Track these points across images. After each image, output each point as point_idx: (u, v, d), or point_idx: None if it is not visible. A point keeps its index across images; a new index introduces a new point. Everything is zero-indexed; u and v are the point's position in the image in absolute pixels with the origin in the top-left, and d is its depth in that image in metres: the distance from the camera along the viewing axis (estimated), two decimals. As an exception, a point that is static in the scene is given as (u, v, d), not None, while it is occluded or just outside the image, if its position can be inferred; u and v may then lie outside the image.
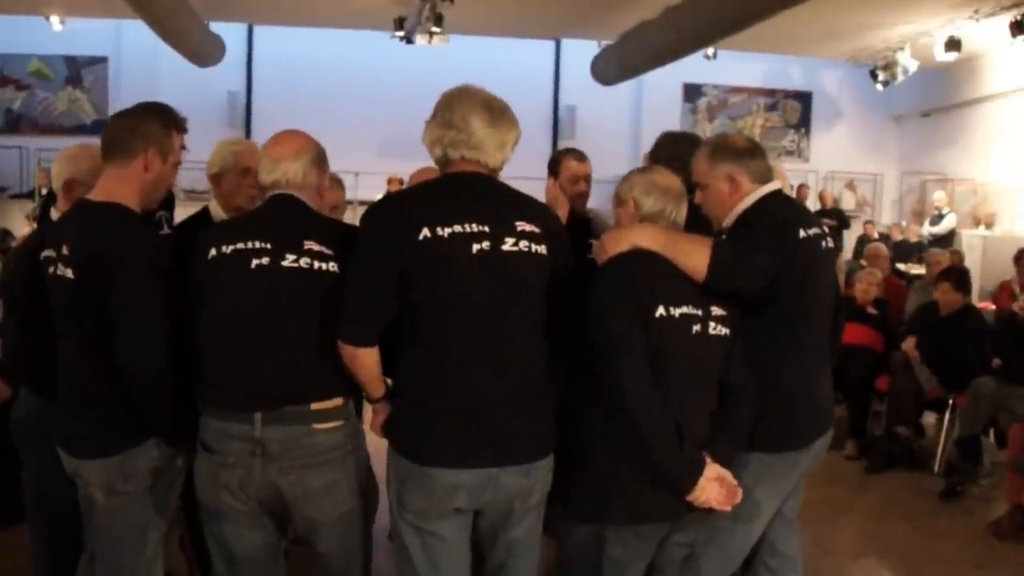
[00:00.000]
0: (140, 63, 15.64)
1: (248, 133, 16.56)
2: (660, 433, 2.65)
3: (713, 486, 2.71)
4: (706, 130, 18.07)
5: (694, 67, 15.79)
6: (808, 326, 3.06)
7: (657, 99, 17.63)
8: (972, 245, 13.68)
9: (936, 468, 6.64)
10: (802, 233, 3.01)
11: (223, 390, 2.76)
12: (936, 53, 12.97)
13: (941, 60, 13.10)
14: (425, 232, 2.59)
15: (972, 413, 6.35)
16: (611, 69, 14.91)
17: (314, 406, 2.74)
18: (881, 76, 15.24)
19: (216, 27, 14.74)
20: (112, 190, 2.85)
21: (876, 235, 15.15)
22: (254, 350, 2.73)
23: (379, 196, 12.04)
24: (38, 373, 3.10)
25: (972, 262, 12.15)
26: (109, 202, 2.82)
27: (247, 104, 16.94)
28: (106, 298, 2.69)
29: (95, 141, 3.01)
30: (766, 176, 3.11)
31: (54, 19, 14.53)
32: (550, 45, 17.55)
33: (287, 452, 2.72)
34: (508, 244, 2.65)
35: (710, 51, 15.33)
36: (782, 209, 3.08)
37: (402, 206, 2.72)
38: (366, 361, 2.70)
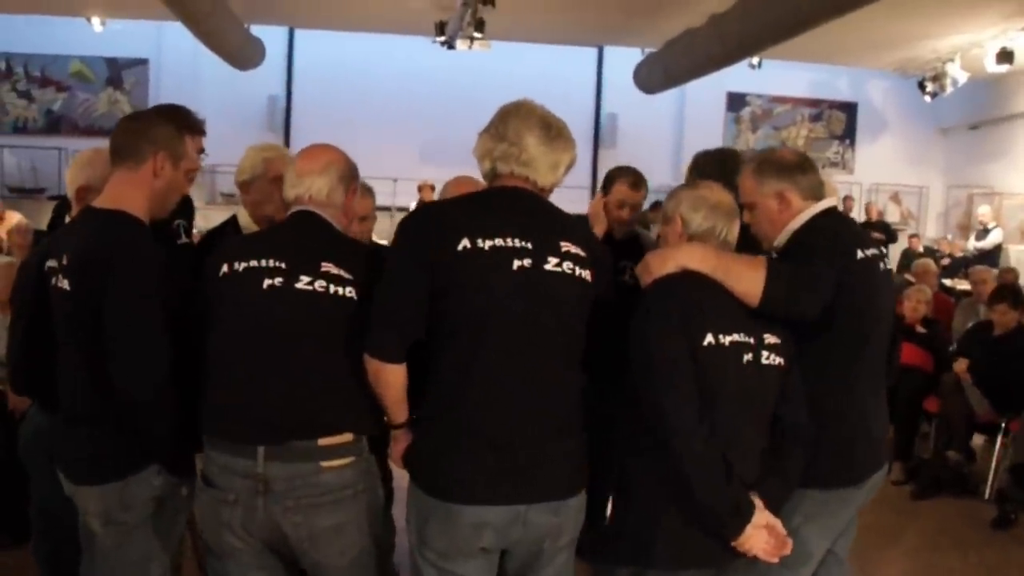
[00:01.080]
0: (181, 65, 15.60)
1: (287, 137, 16.55)
2: (705, 471, 2.47)
3: (761, 534, 2.53)
4: (749, 140, 17.85)
5: (738, 76, 15.52)
6: (865, 353, 2.87)
7: (700, 108, 17.37)
8: (1021, 260, 13.33)
9: (987, 494, 6.40)
10: (860, 254, 2.83)
11: (225, 420, 2.60)
12: (987, 64, 12.63)
13: (992, 71, 12.76)
14: (465, 242, 2.45)
15: (1025, 439, 6.12)
16: (654, 77, 14.70)
17: (321, 442, 2.57)
18: (929, 87, 14.89)
19: (256, 30, 14.70)
20: (118, 196, 2.70)
21: (921, 249, 14.84)
22: (259, 378, 2.57)
23: (413, 203, 11.99)
24: (43, 386, 2.95)
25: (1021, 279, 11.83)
26: (113, 209, 2.67)
27: (287, 108, 16.86)
28: (102, 311, 2.53)
29: None
30: (818, 192, 2.93)
31: (95, 20, 14.50)
32: (592, 52, 17.34)
33: (292, 491, 2.54)
34: (551, 264, 2.50)
35: (755, 60, 15.06)
36: (839, 228, 2.90)
37: (442, 214, 2.58)
38: (392, 379, 2.53)
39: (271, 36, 15.58)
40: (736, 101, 18.03)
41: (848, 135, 18.29)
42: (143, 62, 16.31)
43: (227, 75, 14.83)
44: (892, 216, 17.62)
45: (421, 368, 2.54)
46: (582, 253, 2.55)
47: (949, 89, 14.41)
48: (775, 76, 16.63)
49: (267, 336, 2.58)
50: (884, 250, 2.99)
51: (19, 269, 3.58)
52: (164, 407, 2.57)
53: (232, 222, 3.73)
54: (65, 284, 2.64)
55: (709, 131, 17.55)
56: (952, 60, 13.96)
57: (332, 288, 2.60)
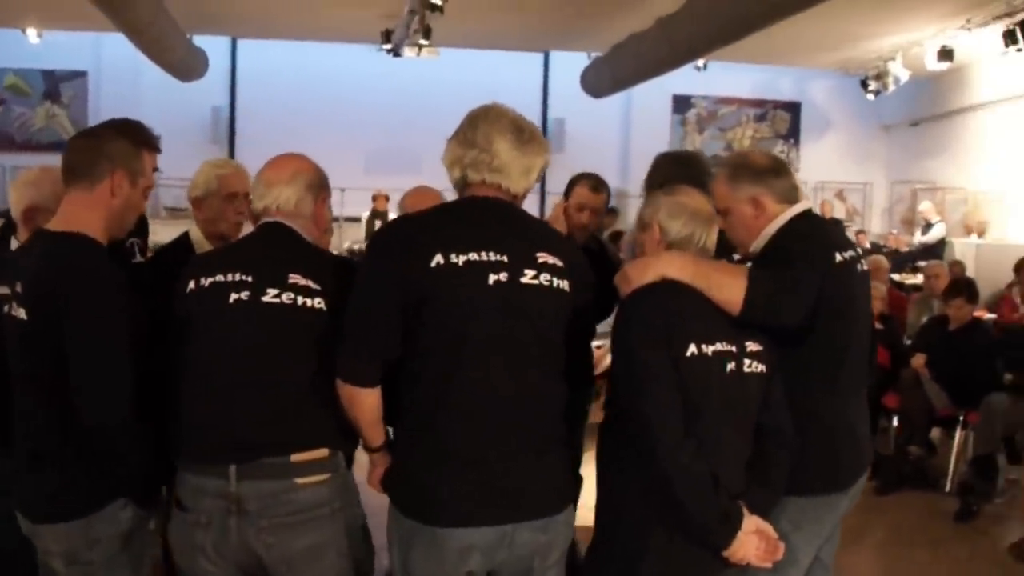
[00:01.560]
0: (121, 78, 15.33)
1: (232, 149, 16.36)
2: (694, 483, 2.42)
3: (752, 540, 2.48)
4: (695, 142, 17.98)
5: (683, 78, 15.60)
6: (848, 357, 2.85)
7: (646, 111, 17.45)
8: (964, 254, 13.51)
9: (948, 487, 6.48)
10: (838, 257, 2.81)
11: (196, 440, 2.52)
12: (928, 62, 12.82)
13: (933, 69, 12.98)
14: (438, 258, 2.38)
15: (987, 431, 6.20)
16: (602, 81, 14.74)
17: (295, 457, 2.49)
18: (872, 86, 15.10)
19: (199, 40, 14.52)
20: (74, 218, 2.57)
21: (868, 245, 15.01)
22: (229, 394, 2.49)
23: (365, 213, 11.81)
24: None
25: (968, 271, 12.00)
26: (69, 232, 2.54)
27: (231, 119, 16.66)
28: (62, 342, 2.41)
29: None
30: (792, 195, 2.91)
31: (31, 32, 14.24)
32: (538, 58, 17.35)
33: (266, 510, 2.46)
34: (527, 276, 2.43)
35: (700, 62, 15.17)
36: (817, 232, 2.88)
37: (414, 229, 2.50)
38: (367, 403, 2.46)
39: (214, 46, 15.41)
40: (682, 103, 18.14)
41: (792, 134, 18.48)
42: (82, 74, 16.05)
43: (169, 86, 14.62)
44: (838, 213, 17.78)
45: (395, 386, 2.47)
46: (559, 263, 2.49)
47: (891, 87, 14.63)
48: (720, 78, 16.76)
49: (235, 352, 2.51)
50: (860, 251, 2.97)
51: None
52: (133, 437, 2.47)
53: (184, 239, 3.64)
54: (21, 313, 2.51)
55: (655, 134, 17.64)
56: (894, 59, 14.17)
57: (300, 300, 2.54)
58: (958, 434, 6.58)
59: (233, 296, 2.53)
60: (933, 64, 12.69)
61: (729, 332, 2.56)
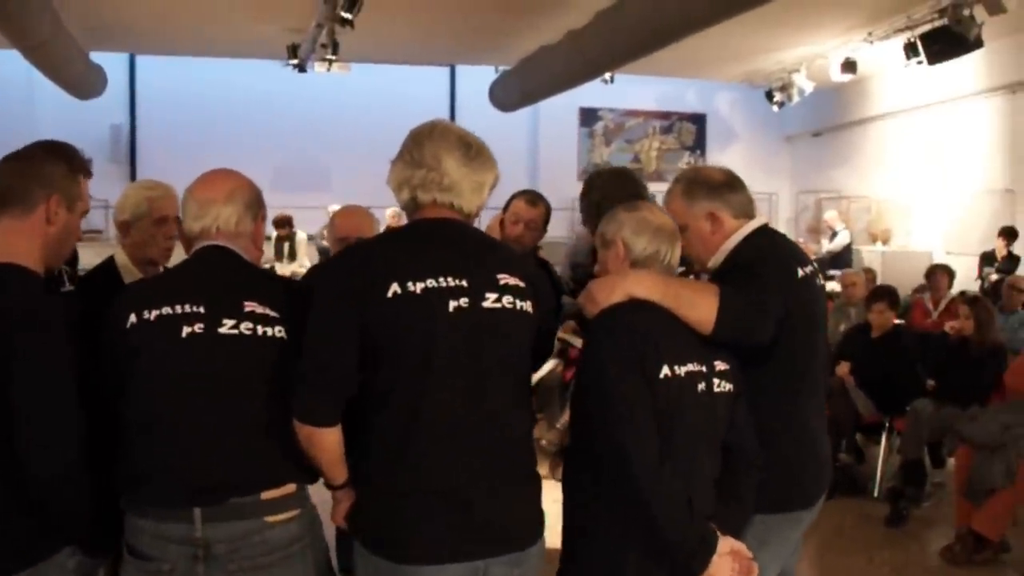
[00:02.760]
0: (14, 95, 14.85)
1: (133, 167, 15.94)
2: (672, 509, 2.34)
3: (726, 562, 2.40)
4: (603, 154, 18.16)
5: (590, 91, 15.68)
6: (809, 373, 2.81)
7: (554, 124, 17.56)
8: (870, 261, 13.84)
9: (876, 492, 6.55)
10: (800, 272, 2.76)
11: (154, 484, 2.33)
12: (832, 74, 13.14)
13: (837, 80, 13.28)
14: (394, 288, 2.25)
15: (913, 437, 6.28)
16: (510, 95, 14.74)
17: (264, 495, 2.35)
18: (777, 97, 15.39)
19: (97, 57, 14.07)
20: (8, 248, 2.37)
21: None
22: (189, 434, 2.33)
23: (273, 233, 11.42)
24: None
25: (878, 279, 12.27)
26: (5, 263, 2.34)
27: (131, 137, 16.24)
28: (4, 382, 2.20)
29: None
30: (749, 210, 2.87)
31: (-82, 50, 13.63)
32: (444, 72, 17.32)
33: (236, 552, 2.31)
34: (490, 300, 2.33)
35: (607, 75, 15.26)
36: (778, 247, 2.84)
37: (366, 257, 2.36)
38: (327, 443, 2.32)
39: (112, 63, 14.99)
40: (589, 116, 18.27)
41: (698, 145, 18.76)
42: (-28, 92, 15.41)
43: (66, 104, 14.19)
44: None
45: (354, 417, 2.35)
46: (520, 284, 2.39)
47: (796, 98, 14.93)
48: (626, 90, 16.90)
49: (192, 389, 2.34)
50: (816, 267, 2.94)
51: None
52: (80, 481, 2.28)
53: (109, 265, 3.44)
54: None
55: (563, 146, 17.78)
56: (798, 70, 14.46)
57: (260, 329, 2.39)
58: (884, 440, 6.66)
59: (186, 330, 2.36)
60: (837, 75, 13.00)
61: (699, 352, 2.49)
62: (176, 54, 15.22)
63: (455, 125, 2.50)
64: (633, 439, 2.32)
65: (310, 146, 16.28)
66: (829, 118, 16.87)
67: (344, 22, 10.13)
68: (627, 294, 2.49)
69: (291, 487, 2.39)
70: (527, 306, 2.38)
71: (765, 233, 2.86)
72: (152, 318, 2.38)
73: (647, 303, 2.48)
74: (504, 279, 2.36)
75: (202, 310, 2.38)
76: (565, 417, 5.90)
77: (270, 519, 2.34)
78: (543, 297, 2.46)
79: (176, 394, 2.34)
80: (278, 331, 2.40)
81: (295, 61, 13.72)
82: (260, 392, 2.37)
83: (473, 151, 2.42)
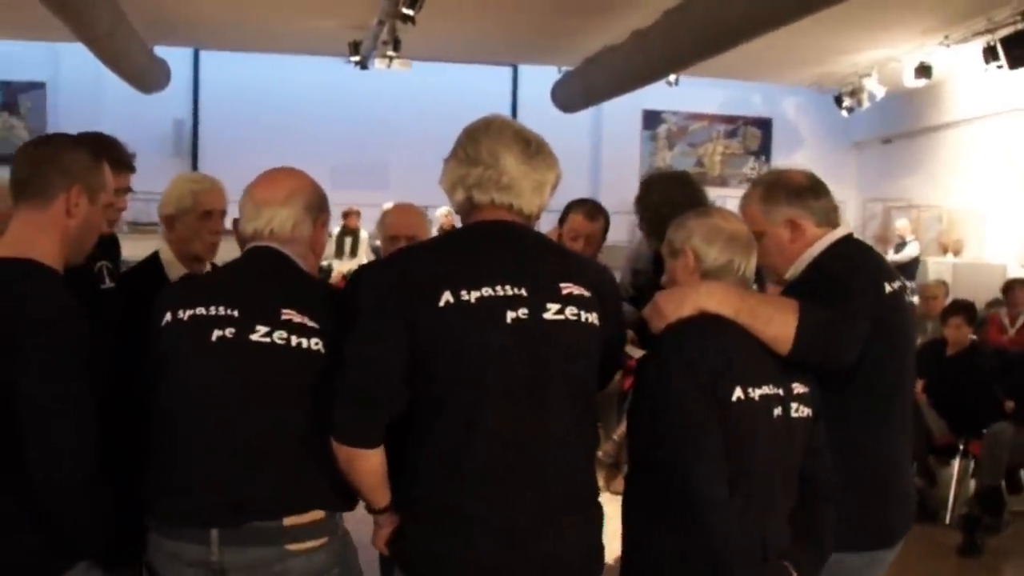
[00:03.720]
0: (80, 89, 14.93)
1: (195, 162, 15.99)
2: (740, 547, 2.13)
3: None
4: (666, 158, 17.84)
5: (654, 94, 15.40)
6: (898, 398, 2.57)
7: (616, 126, 17.27)
8: (940, 273, 13.39)
9: (947, 519, 6.22)
10: (888, 288, 2.52)
11: (172, 499, 2.17)
12: (905, 79, 12.72)
13: (910, 85, 12.85)
14: (447, 296, 2.05)
15: (991, 461, 5.95)
16: (573, 95, 14.52)
17: (287, 521, 2.17)
18: (847, 102, 14.99)
19: (161, 51, 14.12)
20: (23, 241, 2.20)
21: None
22: (211, 448, 2.16)
23: (335, 229, 11.41)
24: None
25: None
26: (17, 258, 2.16)
27: (194, 132, 16.29)
28: (10, 390, 2.03)
29: None
30: (832, 218, 2.63)
31: (-12, 42, 13.81)
32: (507, 71, 17.14)
33: None
34: (551, 311, 2.11)
35: (672, 77, 14.97)
36: (862, 259, 2.59)
37: (417, 262, 2.17)
38: (368, 466, 2.11)
39: (176, 58, 15.02)
40: (652, 119, 17.97)
41: (764, 151, 18.37)
42: (40, 86, 15.63)
43: (130, 98, 14.21)
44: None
45: (397, 437, 2.14)
46: (586, 294, 2.17)
47: (866, 104, 14.53)
48: (690, 93, 16.55)
49: (217, 398, 2.18)
50: (905, 283, 2.69)
51: None
52: (94, 496, 2.09)
53: (153, 260, 3.31)
54: None
55: (625, 149, 17.50)
56: (869, 75, 14.04)
57: (295, 340, 2.20)
58: (957, 463, 6.33)
59: (216, 333, 2.19)
60: (911, 80, 12.58)
61: (775, 373, 2.27)
62: (239, 50, 15.22)
63: (512, 121, 2.30)
64: (701, 468, 2.11)
65: (369, 144, 16.20)
66: (900, 124, 16.35)
67: (406, 19, 9.99)
68: (697, 308, 2.27)
69: (319, 514, 2.20)
70: (592, 318, 2.16)
71: (850, 243, 2.63)
72: (185, 318, 2.23)
73: (719, 318, 2.26)
74: (567, 288, 2.15)
75: (236, 314, 2.21)
76: (622, 428, 5.69)
77: (292, 547, 2.16)
78: (610, 308, 2.25)
79: (200, 402, 2.18)
80: (315, 343, 2.21)
81: (356, 58, 13.63)
82: (290, 408, 2.19)
83: (533, 148, 2.22)
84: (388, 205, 4.12)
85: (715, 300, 2.27)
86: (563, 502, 2.13)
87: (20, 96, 15.71)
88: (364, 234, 13.07)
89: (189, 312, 2.23)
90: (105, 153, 2.43)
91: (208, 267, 3.37)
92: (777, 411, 2.24)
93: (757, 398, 2.20)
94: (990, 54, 10.76)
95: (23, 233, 2.22)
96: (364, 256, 12.59)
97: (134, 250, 3.43)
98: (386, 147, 16.30)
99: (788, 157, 18.13)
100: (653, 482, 2.24)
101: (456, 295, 2.05)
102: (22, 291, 2.11)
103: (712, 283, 2.33)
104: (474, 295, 2.06)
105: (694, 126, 18.17)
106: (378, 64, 13.37)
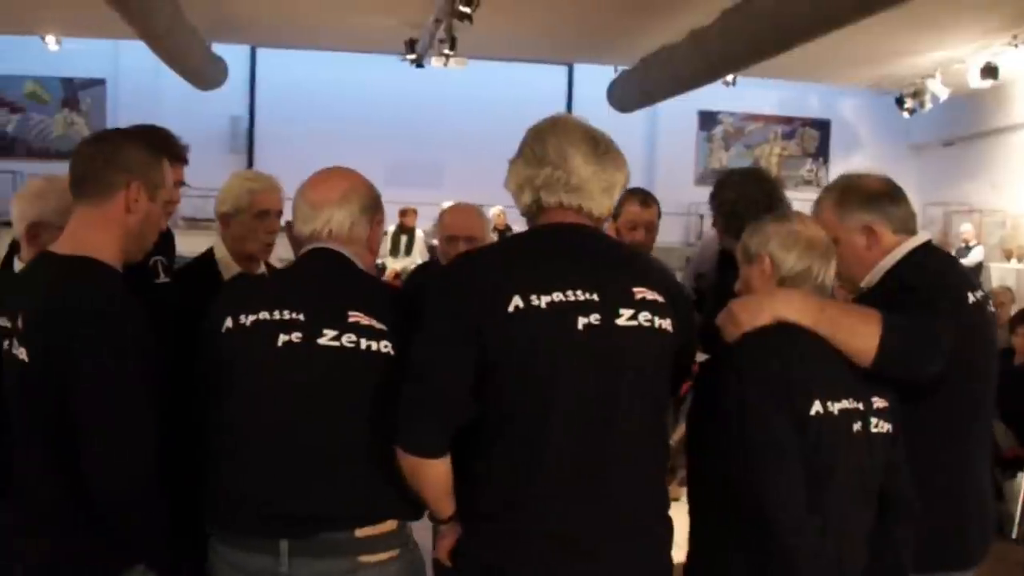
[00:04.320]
0: (139, 86, 15.08)
1: (250, 159, 16.10)
2: (817, 569, 2.04)
3: None
4: (722, 159, 17.65)
5: (709, 94, 15.18)
6: (980, 416, 2.47)
7: (672, 126, 17.12)
8: (1004, 279, 13.10)
9: (1015, 534, 6.03)
10: (971, 298, 2.43)
11: (237, 509, 2.12)
12: (970, 80, 12.42)
13: (975, 87, 12.56)
14: (516, 301, 1.98)
15: (1061, 477, 5.77)
16: (629, 95, 14.38)
17: (359, 532, 2.10)
18: (908, 104, 14.68)
19: (218, 49, 14.23)
20: (83, 239, 2.16)
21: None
22: (278, 457, 2.10)
23: (390, 227, 11.39)
24: None
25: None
26: (77, 256, 2.13)
27: (250, 129, 16.41)
28: (69, 390, 1.99)
29: None
30: (910, 225, 2.54)
31: (50, 39, 13.95)
32: (562, 70, 17.06)
33: None
34: (624, 317, 2.04)
35: (729, 77, 14.78)
36: (944, 267, 2.50)
37: (484, 267, 2.10)
38: (433, 476, 2.06)
39: (233, 55, 15.13)
40: (708, 119, 17.80)
41: (821, 153, 18.11)
42: (100, 82, 15.84)
43: (188, 95, 14.34)
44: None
45: (466, 447, 2.08)
46: (659, 298, 2.10)
47: (928, 105, 14.24)
48: (746, 94, 16.35)
49: (285, 404, 2.12)
50: (987, 293, 2.58)
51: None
52: (152, 500, 2.05)
53: (207, 257, 3.29)
54: (21, 353, 2.09)
55: (681, 150, 17.35)
56: (932, 76, 13.74)
57: (364, 342, 2.14)
58: (1024, 477, 6.16)
59: (282, 338, 2.13)
60: (976, 81, 12.29)
61: (855, 386, 2.18)
62: (295, 47, 15.29)
63: (581, 119, 2.22)
64: (776, 486, 2.03)
65: (424, 142, 16.20)
66: (961, 127, 15.99)
67: (463, 16, 9.94)
68: (775, 316, 2.19)
69: (391, 524, 2.15)
70: (666, 324, 2.09)
71: (929, 252, 2.54)
72: (248, 323, 2.16)
73: (798, 328, 2.17)
74: (641, 293, 2.07)
75: (302, 318, 2.15)
76: (678, 433, 5.58)
77: (365, 559, 2.10)
78: (683, 313, 2.17)
79: (268, 409, 2.12)
80: (384, 345, 2.14)
81: (412, 56, 13.61)
82: (362, 413, 2.12)
83: (602, 148, 2.16)
84: (445, 204, 4.08)
85: (794, 309, 2.19)
86: (632, 517, 2.06)
87: (80, 93, 15.92)
88: (419, 233, 13.06)
89: (252, 317, 2.16)
90: (159, 144, 2.40)
91: (262, 267, 3.34)
92: (857, 426, 2.15)
93: (836, 412, 2.11)
94: (1061, 55, 10.49)
95: (82, 230, 2.19)
96: (419, 255, 12.56)
97: (190, 246, 3.42)
98: (440, 145, 16.29)
99: (846, 159, 17.86)
100: (722, 497, 2.16)
101: (526, 300, 1.99)
102: (81, 290, 2.08)
103: (790, 291, 2.24)
104: (544, 300, 2.00)
105: (751, 127, 17.97)
106: (434, 62, 13.33)
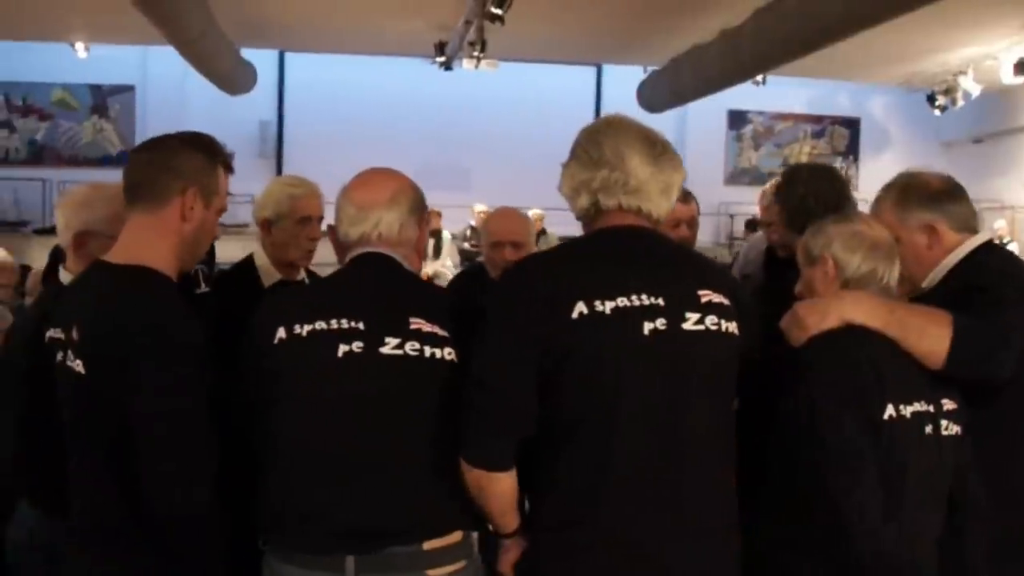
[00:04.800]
0: (168, 92, 15.13)
1: (279, 164, 16.12)
2: None
3: None
4: (752, 158, 17.58)
5: (738, 93, 15.04)
6: None
7: (701, 126, 16.97)
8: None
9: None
10: None
11: (301, 525, 2.06)
12: (1003, 76, 12.28)
13: (1008, 83, 12.42)
14: (580, 307, 1.95)
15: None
16: (659, 95, 14.28)
17: (427, 545, 2.06)
18: (940, 101, 14.55)
19: (247, 54, 14.26)
20: (138, 247, 2.12)
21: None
22: (343, 470, 2.05)
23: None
24: (43, 486, 2.37)
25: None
26: (134, 265, 2.08)
27: (279, 134, 16.44)
28: (125, 407, 1.95)
29: (119, 176, 2.29)
30: (972, 223, 2.50)
31: (79, 46, 14.00)
32: (591, 71, 17.00)
33: None
34: (690, 321, 2.00)
35: (759, 76, 14.69)
36: (1009, 267, 2.45)
37: (547, 272, 2.06)
38: (500, 490, 2.02)
39: (261, 59, 15.14)
40: (737, 119, 17.69)
41: (852, 151, 17.98)
42: (129, 88, 15.85)
43: (216, 100, 14.32)
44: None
45: (529, 457, 2.04)
46: (725, 301, 2.06)
47: (960, 103, 14.10)
48: (775, 93, 16.23)
49: (348, 417, 2.07)
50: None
51: (7, 335, 2.89)
52: (212, 522, 2.00)
53: (247, 264, 3.25)
54: (77, 365, 2.04)
55: (711, 149, 17.24)
56: (964, 72, 13.61)
57: (428, 350, 2.09)
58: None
59: (343, 348, 2.07)
60: (1008, 78, 12.16)
61: (925, 388, 2.14)
62: (324, 51, 15.29)
63: (634, 119, 2.18)
64: (856, 496, 1.99)
65: (452, 145, 16.18)
66: (993, 123, 15.86)
67: (495, 18, 9.89)
68: (843, 319, 2.15)
69: (457, 535, 2.10)
70: (732, 327, 2.05)
71: (993, 251, 2.49)
72: (304, 333, 2.10)
73: (867, 330, 2.13)
74: (706, 296, 2.03)
75: (362, 327, 2.10)
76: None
77: (433, 572, 2.06)
78: (747, 315, 2.12)
79: (330, 422, 2.08)
80: (448, 352, 2.10)
81: (442, 59, 13.59)
82: (427, 423, 2.07)
83: (658, 148, 2.13)
84: (480, 207, 4.04)
85: (862, 311, 2.15)
86: (702, 525, 2.02)
87: (109, 99, 15.94)
88: (447, 235, 13.05)
89: (308, 327, 2.10)
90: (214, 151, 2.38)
91: (303, 274, 3.31)
92: (928, 428, 2.12)
93: (909, 416, 2.08)
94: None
95: (136, 238, 2.15)
96: (448, 258, 12.54)
97: (223, 251, 3.38)
98: (468, 148, 16.27)
99: (876, 157, 17.74)
100: (787, 502, 2.13)
101: (590, 306, 1.95)
102: (142, 300, 2.04)
103: (858, 293, 2.21)
104: (609, 306, 1.96)
105: (780, 126, 17.85)
106: (466, 64, 13.29)
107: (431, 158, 15.80)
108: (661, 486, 1.98)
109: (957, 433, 2.18)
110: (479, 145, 16.07)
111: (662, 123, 13.55)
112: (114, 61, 15.20)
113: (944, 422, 2.15)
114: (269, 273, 3.20)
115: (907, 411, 2.07)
